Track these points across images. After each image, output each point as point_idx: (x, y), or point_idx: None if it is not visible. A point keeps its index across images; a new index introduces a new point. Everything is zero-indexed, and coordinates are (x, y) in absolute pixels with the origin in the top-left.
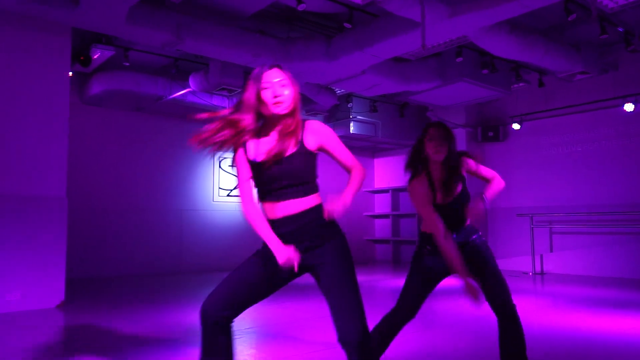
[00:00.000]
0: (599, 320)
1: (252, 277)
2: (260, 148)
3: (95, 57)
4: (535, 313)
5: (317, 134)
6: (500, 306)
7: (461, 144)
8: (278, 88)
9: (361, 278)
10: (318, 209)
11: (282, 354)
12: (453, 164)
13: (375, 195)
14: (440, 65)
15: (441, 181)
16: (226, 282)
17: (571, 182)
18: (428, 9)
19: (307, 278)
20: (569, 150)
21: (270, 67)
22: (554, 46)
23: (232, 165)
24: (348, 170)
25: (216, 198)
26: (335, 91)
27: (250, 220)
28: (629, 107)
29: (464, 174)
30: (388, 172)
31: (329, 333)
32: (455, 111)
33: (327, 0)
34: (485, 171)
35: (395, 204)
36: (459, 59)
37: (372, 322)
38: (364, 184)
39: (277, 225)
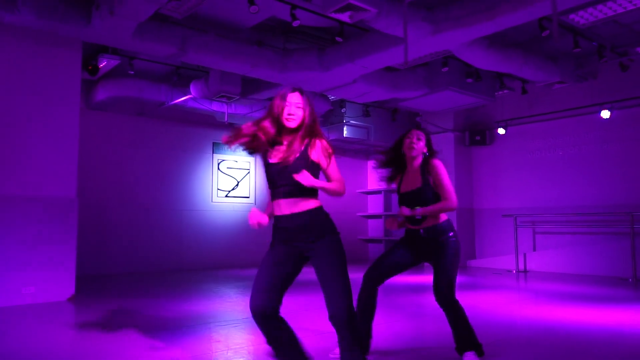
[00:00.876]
0: (577, 312)
1: (276, 269)
2: (275, 153)
3: (101, 65)
4: (517, 306)
5: (317, 148)
6: (440, 298)
7: (449, 148)
8: (294, 108)
9: (355, 274)
10: (317, 211)
11: None
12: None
13: (369, 196)
14: (428, 74)
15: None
16: (259, 279)
17: (553, 184)
18: (412, 26)
19: (306, 275)
20: (551, 154)
21: (293, 91)
22: (532, 58)
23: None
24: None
25: (215, 199)
26: (329, 97)
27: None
28: (605, 114)
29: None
30: (381, 174)
31: (319, 321)
32: (444, 116)
33: (320, 16)
34: (443, 186)
35: (387, 205)
36: (445, 69)
37: None
38: (357, 185)
39: (281, 220)
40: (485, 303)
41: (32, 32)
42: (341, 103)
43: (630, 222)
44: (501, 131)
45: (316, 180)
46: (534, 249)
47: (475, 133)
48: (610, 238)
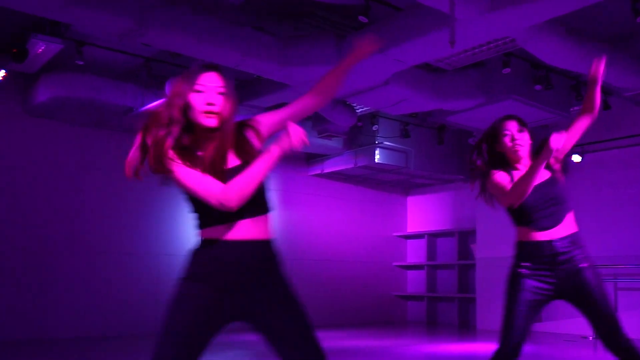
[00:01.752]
0: None
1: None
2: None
3: (39, 51)
4: None
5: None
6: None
7: None
8: (214, 94)
9: (389, 342)
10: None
11: None
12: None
13: (408, 241)
14: (484, 77)
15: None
16: (173, 347)
17: None
18: None
19: None
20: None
21: (208, 69)
22: (620, 57)
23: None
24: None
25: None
26: (355, 108)
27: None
28: None
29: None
30: (424, 214)
31: None
32: None
33: None
34: None
35: (431, 253)
36: (507, 70)
37: None
38: (393, 227)
39: (225, 248)
40: None
41: None
42: (372, 119)
43: None
44: (576, 158)
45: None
46: (616, 310)
47: None
48: None
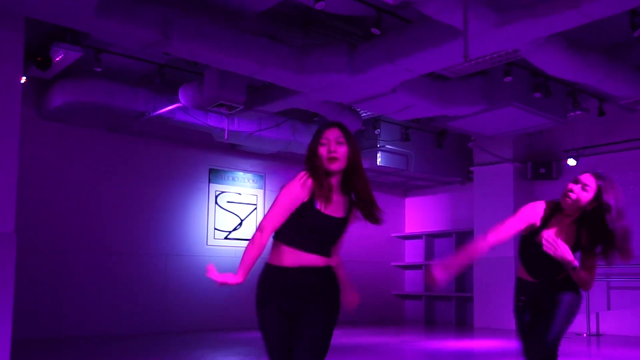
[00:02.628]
0: None
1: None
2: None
3: (57, 59)
4: None
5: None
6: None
7: (508, 181)
8: (334, 144)
9: (388, 339)
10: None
11: None
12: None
13: (406, 241)
14: (486, 85)
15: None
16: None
17: (635, 229)
18: (473, 14)
19: None
20: (631, 192)
21: (331, 126)
22: (617, 67)
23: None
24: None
25: (211, 241)
26: (360, 113)
27: None
28: None
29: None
30: (421, 214)
31: None
32: (502, 143)
33: None
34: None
35: (429, 253)
36: (508, 79)
37: None
38: (392, 228)
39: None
40: None
41: None
42: (375, 123)
43: None
44: (571, 162)
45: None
46: (608, 308)
47: (539, 164)
48: None
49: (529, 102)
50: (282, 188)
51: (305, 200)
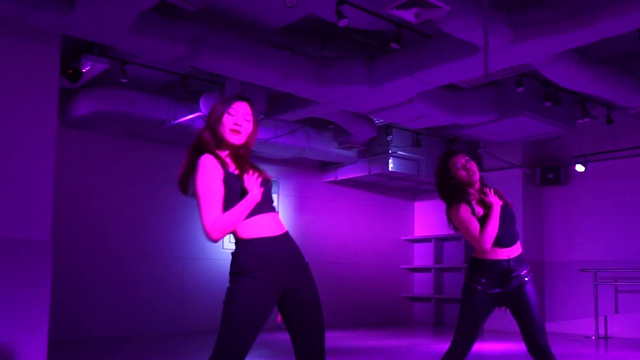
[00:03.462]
0: None
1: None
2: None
3: (84, 70)
4: None
5: None
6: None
7: (517, 187)
8: (242, 120)
9: (397, 342)
10: None
11: None
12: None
13: (415, 244)
14: (498, 95)
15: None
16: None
17: None
18: (490, 32)
19: None
20: (639, 198)
21: (241, 99)
22: (627, 78)
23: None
24: None
25: (227, 245)
26: (375, 121)
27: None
28: None
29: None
30: (431, 218)
31: None
32: (511, 149)
33: (372, 15)
34: None
35: (438, 256)
36: (520, 89)
37: None
38: (401, 231)
39: (272, 243)
40: None
41: None
42: (387, 129)
43: None
44: (579, 168)
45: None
46: (616, 311)
47: (547, 170)
48: None
49: (539, 110)
50: (196, 183)
51: (223, 173)
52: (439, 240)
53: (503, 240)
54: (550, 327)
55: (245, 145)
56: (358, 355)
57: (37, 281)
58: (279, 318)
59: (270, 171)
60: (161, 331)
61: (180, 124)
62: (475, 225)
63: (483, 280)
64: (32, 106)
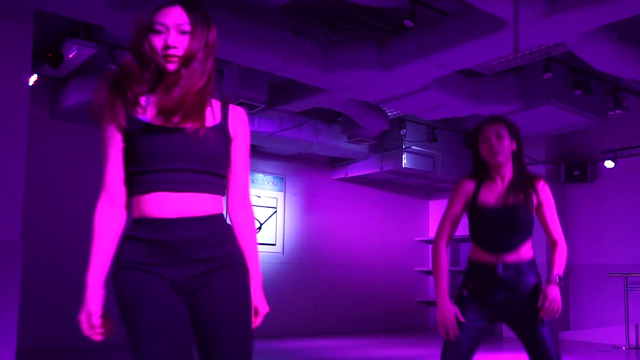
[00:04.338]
0: None
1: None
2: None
3: (70, 55)
4: None
5: (242, 124)
6: None
7: None
8: (176, 35)
9: (413, 351)
10: (222, 218)
11: None
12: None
13: (429, 246)
14: (522, 82)
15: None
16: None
17: None
18: (521, 2)
19: None
20: None
21: (172, 3)
22: None
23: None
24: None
25: None
26: (387, 112)
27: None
28: None
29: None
30: None
31: None
32: (534, 143)
33: None
34: (553, 221)
35: (454, 257)
36: (548, 75)
37: None
38: (415, 232)
39: (162, 227)
40: None
41: None
42: (400, 123)
43: None
44: (609, 164)
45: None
46: None
47: (573, 166)
48: None
49: (568, 100)
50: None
51: (124, 124)
52: (455, 241)
53: (491, 245)
54: (576, 335)
55: (181, 73)
56: None
57: (6, 284)
58: None
59: (277, 167)
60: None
61: None
62: (450, 211)
63: (470, 285)
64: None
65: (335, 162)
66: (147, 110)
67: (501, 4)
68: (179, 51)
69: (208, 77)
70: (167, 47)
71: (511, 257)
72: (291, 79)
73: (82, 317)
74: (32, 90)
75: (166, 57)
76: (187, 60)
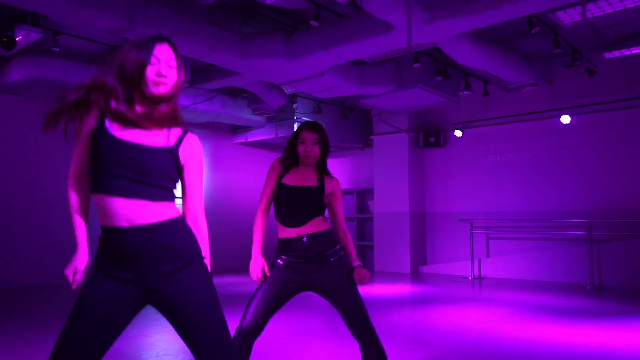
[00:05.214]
0: (540, 330)
1: (105, 322)
2: (119, 123)
3: (18, 39)
4: (481, 324)
5: (191, 147)
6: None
7: (403, 149)
8: (165, 67)
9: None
10: (180, 221)
11: None
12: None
13: None
14: (396, 69)
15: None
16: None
17: (509, 189)
18: (406, 12)
19: None
20: (507, 158)
21: (161, 41)
22: (511, 57)
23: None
24: (185, 202)
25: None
26: (285, 91)
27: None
28: (565, 119)
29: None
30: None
31: None
32: (399, 116)
33: None
34: (340, 210)
35: (360, 206)
36: (417, 65)
37: None
38: None
39: (120, 234)
40: (468, 320)
41: None
42: (292, 98)
43: (587, 228)
44: (458, 133)
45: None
46: (488, 255)
47: (429, 134)
48: (567, 244)
49: (431, 84)
50: None
51: (94, 126)
52: (361, 193)
53: (291, 221)
54: (432, 269)
55: (167, 97)
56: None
57: None
58: None
59: None
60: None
61: None
62: (265, 189)
63: (284, 257)
64: None
65: (236, 129)
66: (113, 124)
67: (390, 13)
68: (168, 80)
69: (174, 107)
70: (159, 75)
71: (309, 229)
72: (210, 63)
73: (69, 271)
74: None
75: (156, 83)
76: (177, 89)
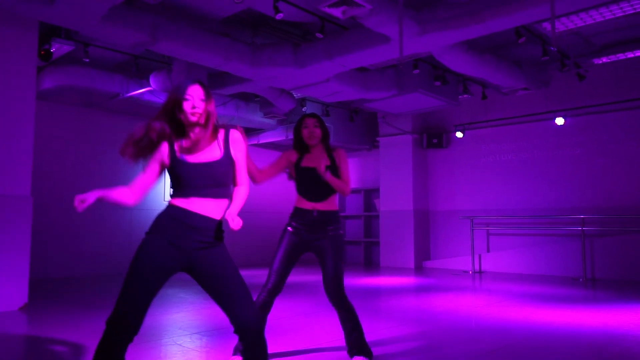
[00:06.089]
0: (529, 312)
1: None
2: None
3: (52, 50)
4: (474, 308)
5: (238, 144)
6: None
7: (407, 150)
8: (198, 101)
9: (307, 277)
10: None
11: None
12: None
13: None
14: (397, 75)
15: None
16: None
17: (507, 187)
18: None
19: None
20: (505, 158)
21: (193, 83)
22: (502, 64)
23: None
24: (235, 176)
25: (168, 197)
26: (294, 96)
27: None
28: (559, 120)
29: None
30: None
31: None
32: (403, 119)
33: (301, 10)
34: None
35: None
36: (416, 71)
37: None
38: None
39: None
40: (462, 305)
41: None
42: (302, 102)
43: (580, 224)
44: (459, 134)
45: (234, 212)
46: (488, 250)
47: (432, 136)
48: (562, 240)
49: (430, 88)
50: None
51: (167, 158)
52: (368, 192)
53: (309, 196)
54: (435, 264)
55: (201, 122)
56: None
57: (20, 230)
58: None
59: None
60: (118, 271)
61: (131, 96)
62: (272, 163)
63: (294, 223)
64: (15, 81)
65: (248, 132)
66: (178, 152)
67: (387, 27)
68: (200, 110)
69: (213, 126)
70: (193, 107)
71: (323, 206)
72: (225, 71)
73: (78, 198)
74: None
75: (193, 113)
76: (207, 116)
